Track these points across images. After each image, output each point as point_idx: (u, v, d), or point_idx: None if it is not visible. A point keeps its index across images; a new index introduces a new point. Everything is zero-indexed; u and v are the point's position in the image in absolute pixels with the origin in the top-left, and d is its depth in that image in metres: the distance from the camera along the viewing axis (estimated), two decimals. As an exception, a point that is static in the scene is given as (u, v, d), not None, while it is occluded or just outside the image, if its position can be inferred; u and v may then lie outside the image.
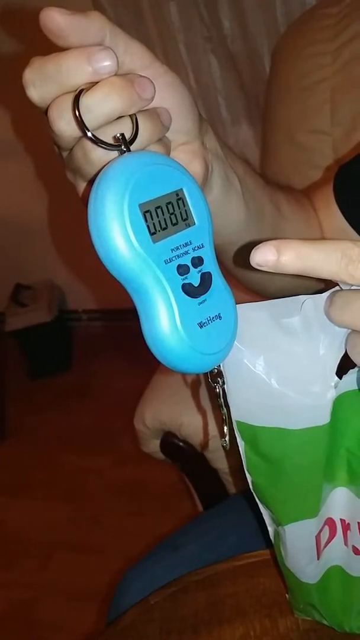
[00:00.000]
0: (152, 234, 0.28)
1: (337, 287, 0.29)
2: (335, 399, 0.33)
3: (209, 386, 0.33)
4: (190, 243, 0.30)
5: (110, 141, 0.29)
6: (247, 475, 0.38)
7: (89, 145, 0.30)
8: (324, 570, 0.43)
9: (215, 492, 0.95)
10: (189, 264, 0.29)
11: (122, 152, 0.29)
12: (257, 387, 0.32)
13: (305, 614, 0.47)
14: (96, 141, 0.29)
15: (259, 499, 0.40)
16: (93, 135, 0.29)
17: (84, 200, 0.29)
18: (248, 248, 0.27)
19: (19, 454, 1.68)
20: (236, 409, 0.35)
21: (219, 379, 0.33)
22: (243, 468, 0.38)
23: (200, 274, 0.30)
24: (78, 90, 0.28)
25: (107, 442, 1.61)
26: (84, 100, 0.28)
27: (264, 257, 0.26)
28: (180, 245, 0.29)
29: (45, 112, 0.30)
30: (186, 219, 0.30)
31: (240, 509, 0.64)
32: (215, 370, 0.32)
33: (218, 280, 0.31)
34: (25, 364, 1.93)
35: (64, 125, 0.29)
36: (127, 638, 0.51)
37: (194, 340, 0.29)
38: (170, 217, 0.29)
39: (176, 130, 0.34)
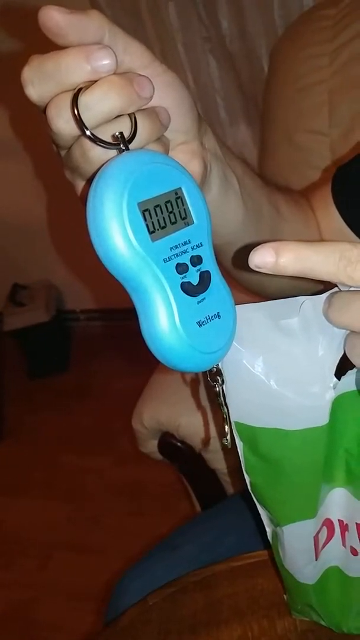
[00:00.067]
0: (151, 232, 0.28)
1: (335, 289, 0.29)
2: (334, 400, 0.33)
3: (208, 386, 0.33)
4: (189, 242, 0.30)
5: (109, 140, 0.29)
6: (246, 475, 0.38)
7: (88, 144, 0.29)
8: (322, 571, 0.43)
9: (214, 493, 0.95)
10: (188, 263, 0.29)
11: (120, 151, 0.29)
12: (256, 388, 0.32)
13: (303, 614, 0.47)
14: (95, 140, 0.29)
15: (257, 500, 0.40)
16: (92, 133, 0.29)
17: (83, 199, 0.29)
18: (247, 250, 0.27)
19: (18, 454, 1.68)
20: (235, 410, 0.35)
21: (218, 377, 0.33)
22: (241, 468, 0.38)
23: (199, 272, 0.30)
24: (77, 89, 0.28)
25: (106, 442, 1.61)
26: (83, 99, 0.28)
27: (262, 259, 0.26)
28: (179, 244, 0.29)
29: (43, 110, 0.30)
30: (185, 218, 0.30)
31: (239, 509, 0.64)
32: (214, 369, 0.32)
33: (217, 279, 0.31)
34: (24, 363, 1.93)
35: (62, 123, 0.29)
36: (126, 638, 0.50)
37: (193, 339, 0.29)
38: (169, 216, 0.29)
39: (175, 129, 0.34)
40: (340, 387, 0.33)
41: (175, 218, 0.29)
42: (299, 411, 0.33)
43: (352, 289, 0.28)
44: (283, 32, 1.12)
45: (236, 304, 0.32)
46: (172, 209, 0.29)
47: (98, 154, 0.30)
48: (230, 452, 0.37)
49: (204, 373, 0.32)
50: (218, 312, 0.30)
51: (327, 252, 0.26)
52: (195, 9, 1.30)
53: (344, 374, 0.33)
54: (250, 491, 0.40)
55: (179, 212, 0.29)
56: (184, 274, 0.29)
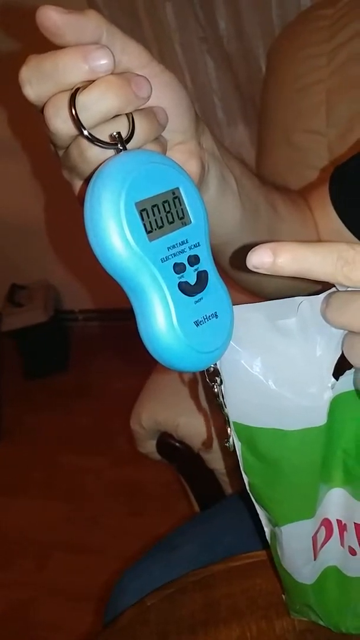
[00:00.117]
0: (148, 232, 0.28)
1: (333, 289, 0.29)
2: (332, 400, 0.33)
3: (207, 386, 0.33)
4: (187, 241, 0.30)
5: (107, 140, 0.29)
6: (244, 475, 0.38)
7: (85, 143, 0.29)
8: (320, 570, 0.43)
9: (212, 493, 0.95)
10: (185, 263, 0.29)
11: (118, 151, 0.29)
12: (254, 388, 0.32)
13: (301, 614, 0.47)
14: (92, 140, 0.29)
15: (255, 500, 0.40)
16: (89, 133, 0.29)
17: (80, 198, 0.29)
18: (244, 250, 0.27)
19: (16, 454, 1.68)
20: (233, 410, 0.35)
21: (216, 377, 0.33)
22: (240, 468, 0.38)
23: (196, 272, 0.30)
24: (74, 89, 0.28)
25: (104, 442, 1.61)
26: (81, 99, 0.28)
27: (260, 259, 0.27)
28: (176, 244, 0.29)
29: (41, 110, 0.30)
30: (182, 218, 0.30)
31: (237, 509, 0.64)
32: (212, 369, 0.32)
33: (214, 278, 0.31)
34: (22, 364, 1.93)
35: (60, 123, 0.29)
36: (124, 639, 0.50)
37: (190, 339, 0.29)
38: (166, 216, 0.29)
39: (172, 129, 0.34)
40: (338, 387, 0.33)
41: (172, 218, 0.29)
42: (297, 411, 0.33)
43: (349, 289, 0.28)
44: (280, 32, 1.12)
45: (234, 304, 0.32)
46: (170, 208, 0.29)
47: (96, 153, 0.30)
48: (228, 452, 0.37)
49: (202, 373, 0.32)
50: (215, 312, 0.30)
51: (325, 252, 0.26)
52: (193, 9, 1.30)
53: (341, 374, 0.33)
54: (249, 491, 0.40)
55: (177, 211, 0.29)
56: (181, 274, 0.29)
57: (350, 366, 0.31)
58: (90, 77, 0.28)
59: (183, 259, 0.29)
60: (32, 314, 1.85)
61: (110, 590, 0.65)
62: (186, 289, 0.29)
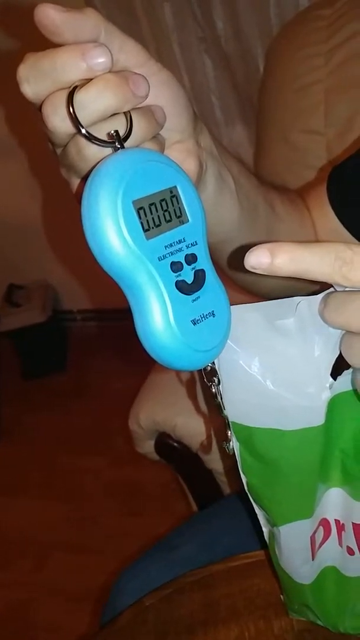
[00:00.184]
0: (145, 230, 0.28)
1: (331, 289, 0.29)
2: (330, 400, 0.33)
3: (205, 387, 0.33)
4: (184, 240, 0.30)
5: (105, 138, 0.29)
6: (242, 476, 0.38)
7: (83, 141, 0.29)
8: (318, 570, 0.43)
9: (210, 493, 0.95)
10: (183, 261, 0.29)
11: (116, 149, 0.29)
12: (253, 388, 0.32)
13: (299, 614, 0.47)
14: (90, 138, 0.29)
15: (253, 500, 0.40)
16: (87, 131, 0.28)
17: (78, 197, 0.29)
18: (242, 250, 0.27)
19: (14, 454, 1.67)
20: (231, 410, 0.35)
21: (214, 377, 0.33)
22: (238, 469, 0.38)
23: (193, 271, 0.30)
24: (72, 87, 0.28)
25: (103, 443, 1.61)
26: (78, 97, 0.28)
27: (258, 260, 0.27)
28: (173, 242, 0.29)
29: (39, 108, 0.30)
30: (180, 216, 0.30)
31: (235, 509, 0.64)
32: (209, 368, 0.32)
33: (212, 277, 0.31)
34: (20, 364, 1.92)
35: (58, 121, 0.29)
36: (123, 639, 0.50)
37: (187, 337, 0.29)
38: (164, 214, 0.29)
39: (170, 128, 0.34)
40: (336, 387, 0.33)
41: (170, 216, 0.29)
42: (295, 411, 0.33)
43: (347, 289, 0.28)
44: (278, 32, 1.12)
45: (232, 304, 0.32)
46: (167, 207, 0.29)
47: (93, 152, 0.30)
48: (226, 452, 0.37)
49: (200, 373, 0.32)
50: (212, 311, 0.30)
51: (322, 253, 0.26)
52: (191, 9, 1.30)
53: (340, 374, 0.33)
54: (247, 491, 0.40)
55: (174, 210, 0.29)
56: (178, 273, 0.29)
57: (348, 366, 0.31)
58: (88, 75, 0.28)
59: (180, 257, 0.29)
60: (30, 314, 1.85)
61: (109, 591, 0.65)
62: (183, 288, 0.29)
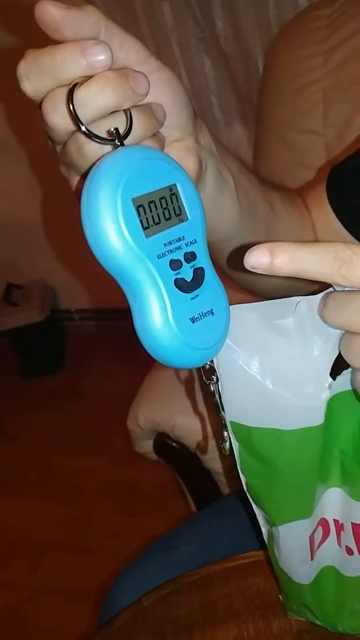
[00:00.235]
0: (145, 228, 0.28)
1: (330, 289, 0.29)
2: (329, 399, 0.33)
3: (204, 386, 0.33)
4: (183, 238, 0.30)
5: (104, 135, 0.29)
6: (241, 475, 0.38)
7: (83, 139, 0.29)
8: (317, 570, 0.43)
9: (209, 493, 0.95)
10: (182, 259, 0.29)
11: (115, 147, 0.29)
12: (252, 388, 0.32)
13: (298, 614, 0.47)
14: (90, 135, 0.29)
15: (252, 500, 0.40)
16: (87, 129, 0.28)
17: (78, 194, 0.29)
18: (242, 250, 0.27)
19: (11, 454, 1.67)
20: (231, 410, 0.35)
21: (212, 376, 0.33)
22: (237, 468, 0.38)
23: (192, 269, 0.30)
24: (72, 84, 0.28)
25: (101, 442, 1.61)
26: (78, 94, 0.28)
27: (257, 259, 0.27)
28: (173, 240, 0.29)
29: (39, 105, 0.30)
30: (179, 214, 0.30)
31: (234, 509, 0.64)
32: (207, 366, 0.32)
33: (210, 275, 0.31)
34: (18, 364, 1.92)
35: (58, 118, 0.29)
36: (120, 640, 0.50)
37: (186, 335, 0.29)
38: (163, 212, 0.29)
39: (170, 126, 0.34)
40: (335, 387, 0.33)
41: (169, 214, 0.29)
42: (294, 411, 0.33)
43: (347, 289, 0.28)
44: (278, 32, 1.12)
45: (231, 304, 0.32)
46: (167, 205, 0.29)
47: (93, 149, 0.30)
48: (225, 452, 0.37)
49: (199, 371, 0.32)
50: (211, 309, 0.30)
51: (322, 253, 0.26)
52: (190, 9, 1.30)
53: (339, 374, 0.33)
54: (246, 491, 0.40)
55: (174, 208, 0.29)
56: (177, 270, 0.29)
57: (347, 366, 0.31)
58: (88, 72, 0.28)
59: (179, 255, 0.29)
60: (28, 314, 1.85)
61: (107, 591, 0.65)
62: (182, 286, 0.29)
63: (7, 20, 1.36)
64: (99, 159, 0.28)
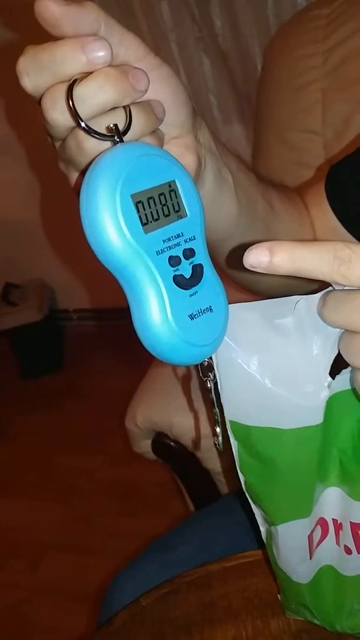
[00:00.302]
0: (144, 224, 0.28)
1: (330, 288, 0.29)
2: (329, 399, 0.33)
3: (202, 384, 0.33)
4: (182, 235, 0.30)
5: (104, 131, 0.29)
6: (240, 475, 0.38)
7: (82, 135, 0.29)
8: (316, 570, 0.43)
9: (207, 493, 0.95)
10: (181, 256, 0.29)
11: (115, 143, 0.29)
12: (251, 387, 0.32)
13: (297, 614, 0.47)
14: (89, 131, 0.28)
15: (251, 499, 0.40)
16: (86, 125, 0.28)
17: (77, 190, 0.29)
18: (241, 249, 0.27)
19: (10, 454, 1.67)
20: (230, 409, 0.35)
21: (209, 373, 0.33)
22: (235, 468, 0.38)
23: (191, 265, 0.30)
24: (72, 80, 0.28)
25: (99, 442, 1.61)
26: (78, 90, 0.28)
27: (257, 258, 0.27)
28: (172, 237, 0.29)
29: (39, 101, 0.29)
30: (178, 211, 0.30)
31: (233, 509, 0.64)
32: (206, 363, 0.32)
33: (209, 272, 0.31)
34: (16, 363, 1.92)
35: (57, 114, 0.29)
36: None
37: (185, 332, 0.29)
38: (162, 209, 0.29)
39: (169, 123, 0.34)
40: (334, 386, 0.33)
41: (168, 211, 0.29)
42: (293, 410, 0.33)
43: (346, 288, 0.28)
44: (276, 31, 1.12)
45: (230, 303, 0.32)
46: (166, 201, 0.29)
47: (92, 145, 0.30)
48: (224, 451, 0.37)
49: (197, 368, 0.32)
50: (210, 306, 0.30)
51: (321, 251, 0.26)
52: (189, 8, 1.30)
53: (338, 373, 0.33)
54: (245, 490, 0.39)
55: (172, 204, 0.29)
56: (176, 267, 0.29)
57: (346, 365, 0.31)
58: (87, 68, 0.28)
59: (178, 252, 0.29)
60: (26, 313, 1.85)
61: (106, 591, 0.65)
62: (181, 282, 0.29)
63: (6, 16, 1.36)
64: (98, 155, 0.28)
